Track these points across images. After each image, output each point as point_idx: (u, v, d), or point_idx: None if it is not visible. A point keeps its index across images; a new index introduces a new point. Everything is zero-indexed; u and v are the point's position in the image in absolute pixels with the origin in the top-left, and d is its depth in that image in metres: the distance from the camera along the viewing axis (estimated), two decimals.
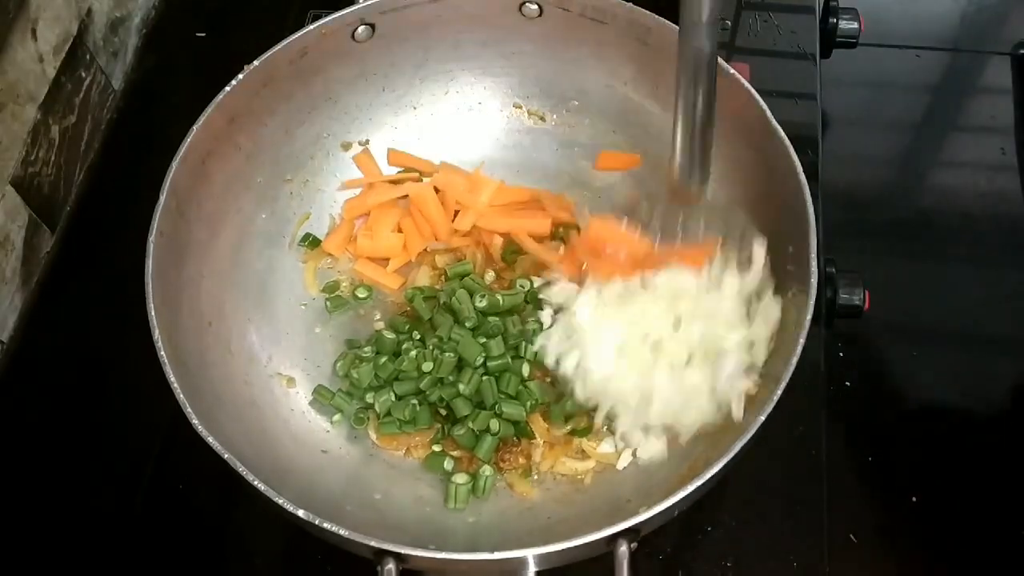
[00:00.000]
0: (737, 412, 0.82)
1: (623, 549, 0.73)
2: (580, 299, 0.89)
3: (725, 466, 0.75)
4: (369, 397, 0.94)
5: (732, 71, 0.92)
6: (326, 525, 0.73)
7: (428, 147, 1.09)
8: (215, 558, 0.92)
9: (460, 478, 0.90)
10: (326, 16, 0.97)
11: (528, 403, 0.92)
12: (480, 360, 0.93)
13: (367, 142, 1.07)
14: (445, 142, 1.09)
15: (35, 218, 1.08)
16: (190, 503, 0.93)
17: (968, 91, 1.26)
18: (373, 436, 0.94)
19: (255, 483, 0.74)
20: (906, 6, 1.34)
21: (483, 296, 0.95)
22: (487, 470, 0.90)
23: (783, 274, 0.89)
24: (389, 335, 0.96)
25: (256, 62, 0.94)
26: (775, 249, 0.92)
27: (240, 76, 0.93)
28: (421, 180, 1.07)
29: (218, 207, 0.95)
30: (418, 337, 0.97)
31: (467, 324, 0.94)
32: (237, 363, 0.94)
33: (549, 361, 0.90)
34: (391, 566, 0.73)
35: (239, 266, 0.98)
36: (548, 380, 0.93)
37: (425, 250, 1.03)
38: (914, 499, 0.95)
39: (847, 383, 1.01)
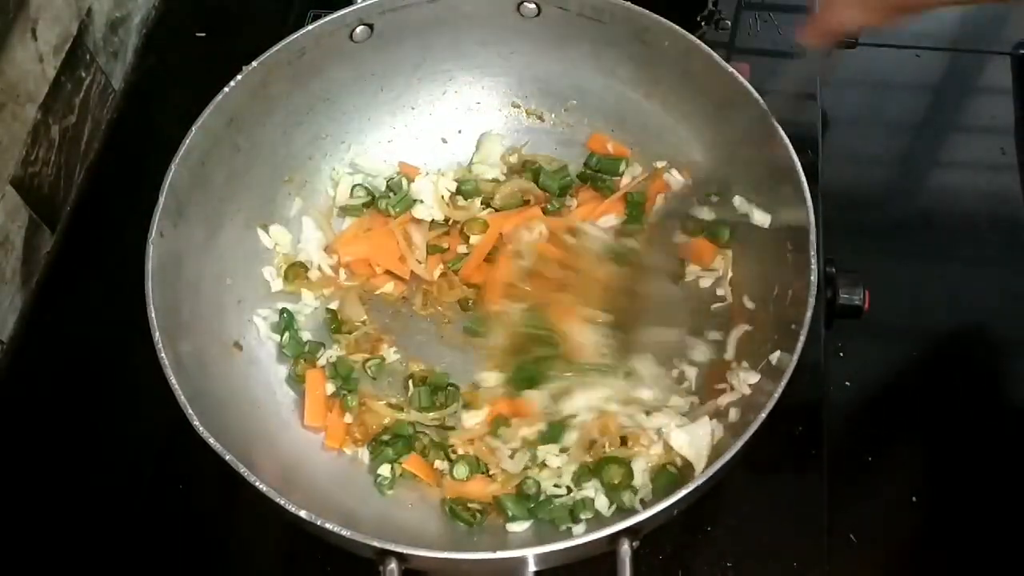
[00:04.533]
0: None
1: (625, 548, 0.73)
2: None
3: (724, 466, 0.75)
4: None
5: (732, 71, 0.92)
6: (329, 526, 0.74)
7: (426, 147, 1.09)
8: (215, 558, 0.92)
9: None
10: (326, 16, 0.97)
11: None
12: None
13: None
14: (443, 142, 1.10)
15: (35, 218, 1.08)
16: (190, 503, 0.93)
17: (968, 91, 1.26)
18: None
19: (257, 484, 0.74)
20: None
21: None
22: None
23: (783, 274, 0.89)
24: None
25: (255, 63, 0.94)
26: (775, 249, 0.93)
27: (239, 77, 0.93)
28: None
29: (217, 207, 0.95)
30: None
31: None
32: (238, 364, 0.94)
33: None
34: (393, 566, 0.73)
35: (239, 266, 0.98)
36: None
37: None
38: (914, 499, 0.95)
39: (847, 383, 1.01)
